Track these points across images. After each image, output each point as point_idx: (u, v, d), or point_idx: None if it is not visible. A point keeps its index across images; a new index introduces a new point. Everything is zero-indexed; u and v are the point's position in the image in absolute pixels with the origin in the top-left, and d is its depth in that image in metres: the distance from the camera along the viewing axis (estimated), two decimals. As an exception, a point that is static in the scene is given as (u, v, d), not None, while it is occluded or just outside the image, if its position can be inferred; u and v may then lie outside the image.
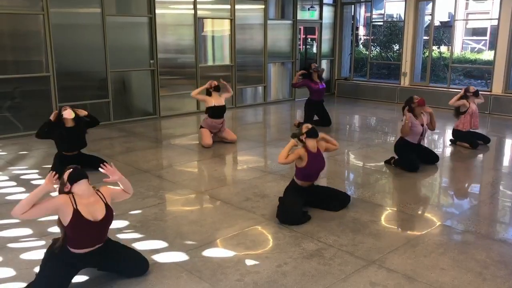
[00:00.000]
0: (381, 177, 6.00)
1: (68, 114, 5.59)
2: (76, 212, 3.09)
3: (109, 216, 3.27)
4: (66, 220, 3.08)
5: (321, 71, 9.16)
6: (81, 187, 3.17)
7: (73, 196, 3.15)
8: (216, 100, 7.35)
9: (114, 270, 3.39)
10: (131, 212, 4.64)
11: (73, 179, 3.16)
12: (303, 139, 4.50)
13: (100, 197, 3.28)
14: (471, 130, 7.34)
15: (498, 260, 3.68)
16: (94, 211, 3.18)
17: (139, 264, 3.43)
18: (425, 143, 7.25)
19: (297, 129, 4.66)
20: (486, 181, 5.96)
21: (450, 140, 7.61)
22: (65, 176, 3.18)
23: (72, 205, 3.11)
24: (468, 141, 7.24)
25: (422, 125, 6.12)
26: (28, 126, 8.08)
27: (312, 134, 4.49)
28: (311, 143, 4.52)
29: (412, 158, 6.06)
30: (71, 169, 3.20)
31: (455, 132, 7.45)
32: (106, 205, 3.28)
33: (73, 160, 5.61)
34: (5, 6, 7.80)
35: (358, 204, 4.88)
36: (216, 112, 7.34)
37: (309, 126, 4.54)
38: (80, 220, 3.09)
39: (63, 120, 5.64)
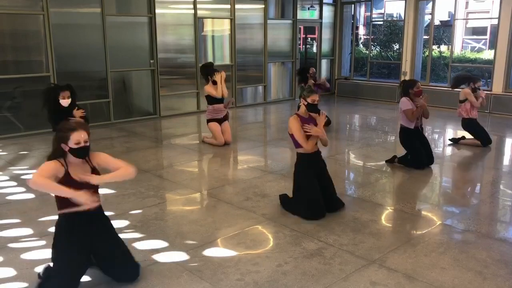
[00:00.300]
0: (381, 176, 6.00)
1: (65, 103, 5.67)
2: (67, 173, 3.11)
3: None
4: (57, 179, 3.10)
5: (322, 82, 8.96)
6: (77, 160, 3.17)
7: (65, 161, 3.14)
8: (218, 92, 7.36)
9: (106, 266, 3.34)
10: (131, 212, 4.64)
11: (77, 154, 3.13)
12: (302, 104, 4.57)
13: (89, 165, 3.25)
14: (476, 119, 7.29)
15: (498, 259, 3.68)
16: (82, 175, 3.18)
17: (131, 268, 3.37)
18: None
19: (306, 89, 4.65)
20: (486, 180, 5.96)
21: (450, 140, 7.60)
22: (73, 138, 3.08)
23: (64, 167, 3.12)
24: (479, 136, 7.23)
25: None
26: (29, 126, 8.09)
27: (312, 109, 4.54)
28: (304, 110, 4.58)
29: (419, 152, 6.03)
30: (84, 145, 3.12)
31: (464, 122, 7.34)
32: (93, 169, 3.26)
33: None
34: (5, 6, 7.80)
35: (359, 203, 4.89)
36: (216, 98, 7.34)
37: (316, 100, 4.52)
38: (69, 181, 3.08)
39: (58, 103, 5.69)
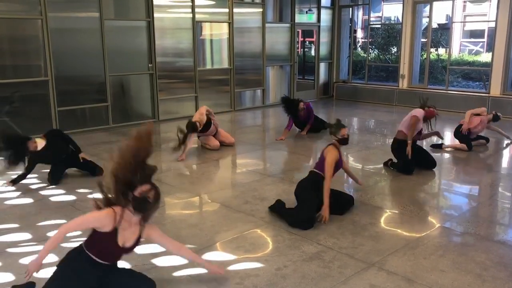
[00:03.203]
0: (380, 179, 6.00)
1: (34, 147, 5.51)
2: (113, 231, 2.97)
3: (134, 247, 3.16)
4: (102, 229, 2.97)
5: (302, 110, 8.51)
6: (134, 217, 3.03)
7: (122, 214, 2.98)
8: (198, 119, 7.14)
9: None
10: (130, 216, 4.63)
11: (139, 209, 2.98)
12: (335, 140, 4.70)
13: (139, 230, 3.12)
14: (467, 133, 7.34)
15: (497, 262, 3.68)
16: (127, 239, 3.06)
17: (148, 283, 3.24)
18: (423, 144, 7.26)
19: (333, 125, 4.79)
20: (485, 182, 5.97)
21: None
22: (143, 190, 2.94)
23: (115, 222, 2.96)
24: (465, 142, 7.25)
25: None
26: (27, 130, 8.04)
27: (344, 143, 4.77)
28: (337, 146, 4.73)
29: (407, 160, 6.06)
30: (149, 199, 2.96)
31: (458, 128, 7.43)
32: (138, 239, 3.14)
33: (70, 163, 5.71)
34: (3, 11, 7.81)
35: (358, 206, 4.89)
36: (202, 129, 7.24)
37: (345, 135, 4.68)
38: (111, 240, 2.99)
39: (32, 150, 5.51)
